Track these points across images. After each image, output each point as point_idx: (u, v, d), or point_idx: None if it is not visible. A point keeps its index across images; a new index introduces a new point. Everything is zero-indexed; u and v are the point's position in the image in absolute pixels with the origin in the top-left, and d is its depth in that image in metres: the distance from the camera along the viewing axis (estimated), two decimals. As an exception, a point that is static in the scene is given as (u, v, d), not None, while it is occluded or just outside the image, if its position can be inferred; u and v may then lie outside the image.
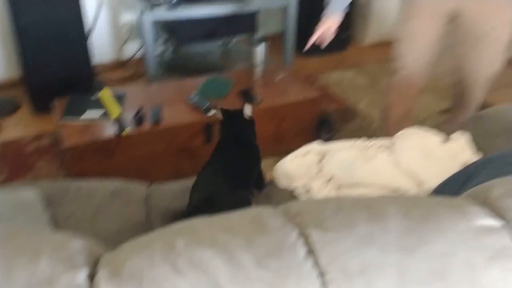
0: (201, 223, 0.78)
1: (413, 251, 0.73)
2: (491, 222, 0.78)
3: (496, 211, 0.82)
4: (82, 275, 0.62)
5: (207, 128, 2.14)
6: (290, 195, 1.57)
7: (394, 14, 3.58)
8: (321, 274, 0.69)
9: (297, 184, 1.66)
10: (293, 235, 0.75)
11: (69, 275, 0.61)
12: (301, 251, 0.72)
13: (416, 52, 2.09)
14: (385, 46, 3.66)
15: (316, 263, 0.70)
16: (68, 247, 0.65)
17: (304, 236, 0.75)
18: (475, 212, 0.80)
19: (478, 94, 2.16)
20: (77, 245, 0.66)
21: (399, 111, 2.25)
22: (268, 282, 0.66)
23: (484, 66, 2.05)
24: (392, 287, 0.70)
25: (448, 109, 2.82)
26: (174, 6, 2.54)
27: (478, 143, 1.76)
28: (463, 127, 1.97)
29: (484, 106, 2.47)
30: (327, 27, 1.92)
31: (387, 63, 3.38)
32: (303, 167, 1.74)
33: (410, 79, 2.17)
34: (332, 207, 0.83)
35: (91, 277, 0.64)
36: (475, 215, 0.79)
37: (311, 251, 0.72)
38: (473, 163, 1.53)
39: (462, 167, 1.58)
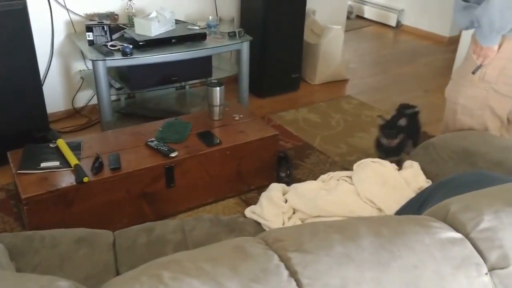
0: (184, 256, 0.80)
1: (387, 265, 0.78)
2: (453, 235, 0.85)
3: (456, 225, 0.89)
4: (72, 314, 0.62)
5: (168, 171, 2.15)
6: (260, 229, 1.59)
7: (339, 56, 3.82)
8: (305, 294, 0.73)
9: (266, 219, 1.69)
10: (275, 259, 0.78)
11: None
12: (284, 273, 0.75)
13: None
14: (333, 85, 3.87)
15: (300, 283, 0.73)
16: (56, 286, 0.64)
17: (285, 259, 0.79)
18: (437, 227, 0.87)
19: None
20: (64, 284, 0.65)
21: None
22: (257, 305, 0.68)
23: None
24: (372, 301, 0.74)
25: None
26: (128, 53, 2.58)
27: (428, 170, 1.89)
28: (412, 156, 2.10)
29: (428, 136, 2.64)
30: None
31: (336, 101, 3.57)
32: (271, 204, 1.77)
33: None
34: (308, 232, 0.87)
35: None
36: (438, 230, 0.86)
37: (293, 273, 0.75)
38: (426, 188, 1.64)
39: (417, 193, 1.68)
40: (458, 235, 0.85)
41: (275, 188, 1.87)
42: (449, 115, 2.08)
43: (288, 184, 1.94)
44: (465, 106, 1.97)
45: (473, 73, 1.87)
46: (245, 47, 3.02)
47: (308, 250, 0.80)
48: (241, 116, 2.55)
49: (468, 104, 1.96)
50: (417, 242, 0.82)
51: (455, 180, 1.51)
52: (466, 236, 0.85)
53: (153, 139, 2.25)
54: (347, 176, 1.88)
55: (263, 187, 2.42)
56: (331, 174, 1.96)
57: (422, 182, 1.82)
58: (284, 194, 1.85)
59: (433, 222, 0.87)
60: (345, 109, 3.44)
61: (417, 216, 0.94)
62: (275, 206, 1.75)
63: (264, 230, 1.63)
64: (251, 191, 2.44)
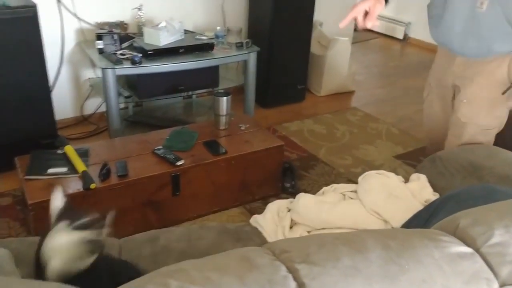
0: (191, 265, 0.80)
1: (395, 279, 0.78)
2: (463, 249, 0.85)
3: (466, 240, 0.89)
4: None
5: (174, 179, 2.15)
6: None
7: (345, 68, 3.83)
8: (313, 306, 0.72)
9: (269, 233, 1.68)
10: (282, 270, 0.78)
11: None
12: (292, 285, 0.75)
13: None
14: (339, 97, 3.88)
15: (308, 296, 0.73)
16: (63, 293, 0.64)
17: (293, 271, 0.78)
18: (447, 241, 0.86)
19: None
20: (71, 291, 0.65)
21: None
22: (264, 316, 0.68)
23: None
24: (380, 314, 0.74)
25: (403, 154, 2.99)
26: (137, 62, 2.60)
27: (435, 183, 1.87)
28: (419, 169, 2.09)
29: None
30: (360, 6, 1.63)
31: (341, 113, 3.57)
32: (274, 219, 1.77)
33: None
34: (315, 244, 0.86)
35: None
36: (448, 244, 0.85)
37: (301, 285, 0.75)
38: (434, 201, 1.62)
39: (423, 205, 1.67)
40: (468, 250, 0.84)
41: (281, 204, 1.85)
42: (464, 138, 2.00)
43: (293, 195, 1.93)
44: (487, 125, 1.93)
45: (503, 93, 1.84)
46: (252, 58, 3.04)
47: (316, 262, 0.80)
48: (247, 126, 2.56)
49: (491, 124, 1.93)
50: (426, 256, 0.81)
51: (462, 194, 1.50)
52: (477, 250, 0.84)
53: (160, 147, 2.26)
54: (351, 191, 1.87)
55: (267, 197, 2.43)
56: (334, 185, 1.95)
57: (428, 194, 1.81)
58: (289, 210, 1.83)
59: (442, 236, 0.87)
60: (351, 121, 3.44)
61: (426, 229, 0.93)
62: (275, 222, 1.74)
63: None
64: (255, 201, 2.43)
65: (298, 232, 1.70)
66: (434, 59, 2.07)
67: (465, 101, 1.90)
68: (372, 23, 1.60)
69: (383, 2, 1.61)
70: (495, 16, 1.67)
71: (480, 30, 1.72)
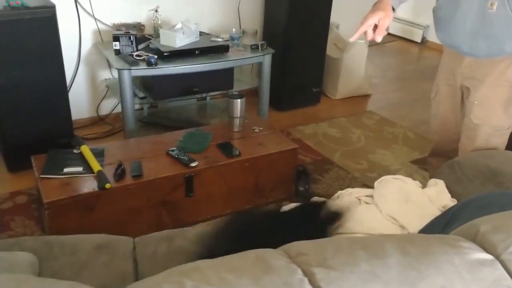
0: (206, 264, 0.79)
1: (414, 285, 0.76)
2: (483, 256, 0.83)
3: (486, 246, 0.86)
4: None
5: (188, 180, 2.15)
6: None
7: (362, 71, 3.80)
8: (330, 311, 0.71)
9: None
10: (298, 274, 0.76)
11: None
12: (308, 289, 0.73)
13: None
14: (354, 100, 3.85)
15: (324, 300, 0.72)
16: (78, 292, 0.64)
17: (309, 275, 0.77)
18: (467, 247, 0.84)
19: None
20: (86, 290, 0.65)
21: None
22: (280, 320, 0.67)
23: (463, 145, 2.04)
24: (398, 321, 0.72)
25: (420, 159, 2.94)
26: (153, 63, 2.62)
27: (453, 189, 1.84)
28: (437, 174, 2.06)
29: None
30: (370, 20, 1.57)
31: (357, 116, 3.54)
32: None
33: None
34: (332, 247, 0.85)
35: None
36: (468, 250, 0.83)
37: (317, 289, 0.74)
38: (452, 207, 1.60)
39: (441, 211, 1.64)
40: (489, 257, 0.82)
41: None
42: (478, 140, 1.98)
43: (306, 199, 1.92)
44: (500, 126, 1.91)
45: None
46: (267, 60, 3.04)
47: (333, 266, 0.79)
48: (261, 128, 2.55)
49: (504, 124, 1.90)
50: (445, 262, 0.79)
51: (481, 200, 1.47)
52: (497, 257, 0.82)
53: (174, 148, 2.27)
54: (366, 196, 1.84)
55: (281, 201, 2.42)
56: (349, 190, 1.93)
57: (446, 200, 1.78)
58: None
59: (462, 242, 0.85)
60: (366, 125, 3.41)
61: (445, 235, 0.91)
62: None
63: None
64: (268, 204, 2.42)
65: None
66: (440, 61, 2.06)
67: (476, 102, 1.88)
68: (382, 36, 1.59)
69: (392, 14, 1.60)
70: (506, 17, 1.66)
71: (491, 31, 1.72)
